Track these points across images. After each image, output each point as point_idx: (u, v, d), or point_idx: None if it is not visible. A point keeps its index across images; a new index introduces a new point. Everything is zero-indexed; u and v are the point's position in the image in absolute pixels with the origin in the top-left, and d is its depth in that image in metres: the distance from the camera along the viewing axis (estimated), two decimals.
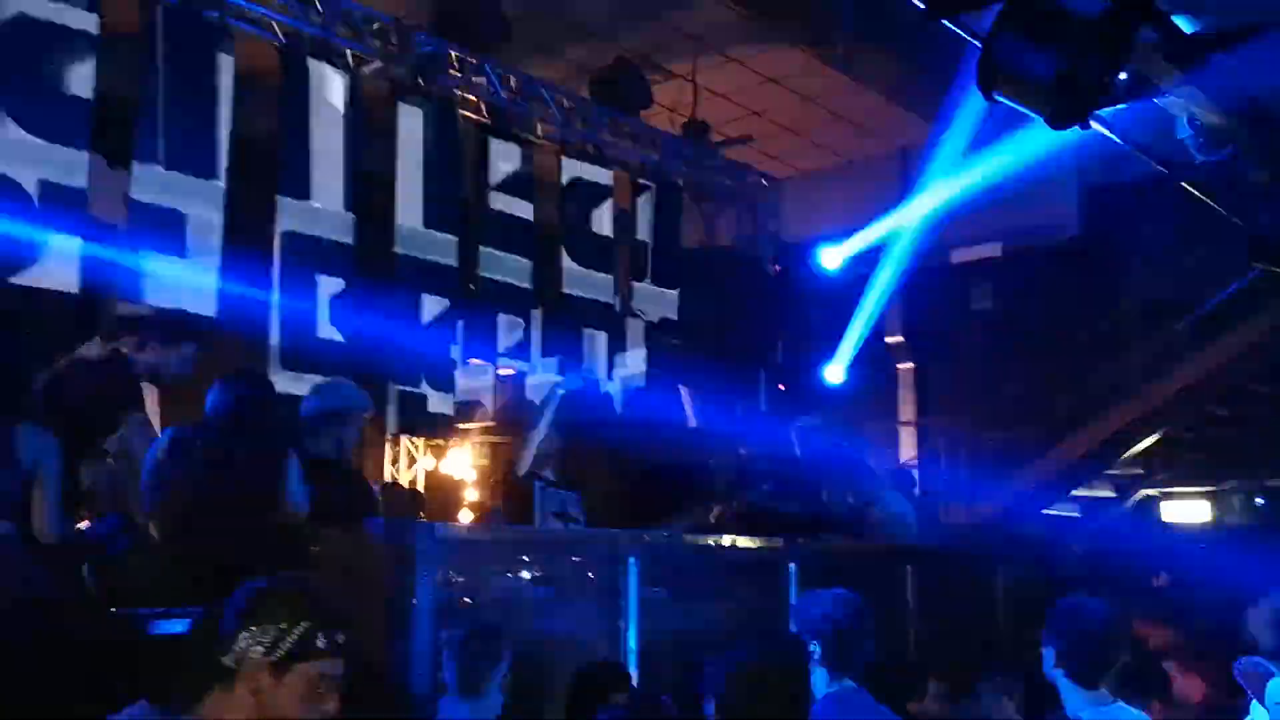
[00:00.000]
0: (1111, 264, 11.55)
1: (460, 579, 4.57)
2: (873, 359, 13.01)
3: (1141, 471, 11.34)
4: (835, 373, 10.58)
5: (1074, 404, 10.88)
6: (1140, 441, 10.64)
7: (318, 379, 6.06)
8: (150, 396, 5.25)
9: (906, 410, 13.12)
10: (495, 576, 4.82)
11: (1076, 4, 3.60)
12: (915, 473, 11.72)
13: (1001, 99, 3.85)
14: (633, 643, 4.72)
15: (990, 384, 11.70)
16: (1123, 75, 3.86)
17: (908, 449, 12.91)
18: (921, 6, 3.55)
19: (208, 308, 6.53)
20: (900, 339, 13.25)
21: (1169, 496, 11.55)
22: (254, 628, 2.28)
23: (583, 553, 4.93)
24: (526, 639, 4.46)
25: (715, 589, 5.38)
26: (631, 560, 4.77)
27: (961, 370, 12.48)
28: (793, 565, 5.44)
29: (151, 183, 6.47)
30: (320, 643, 2.31)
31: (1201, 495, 11.37)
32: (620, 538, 5.03)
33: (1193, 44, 4.15)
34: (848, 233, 12.14)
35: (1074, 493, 11.31)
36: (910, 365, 13.19)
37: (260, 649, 2.27)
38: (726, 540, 5.35)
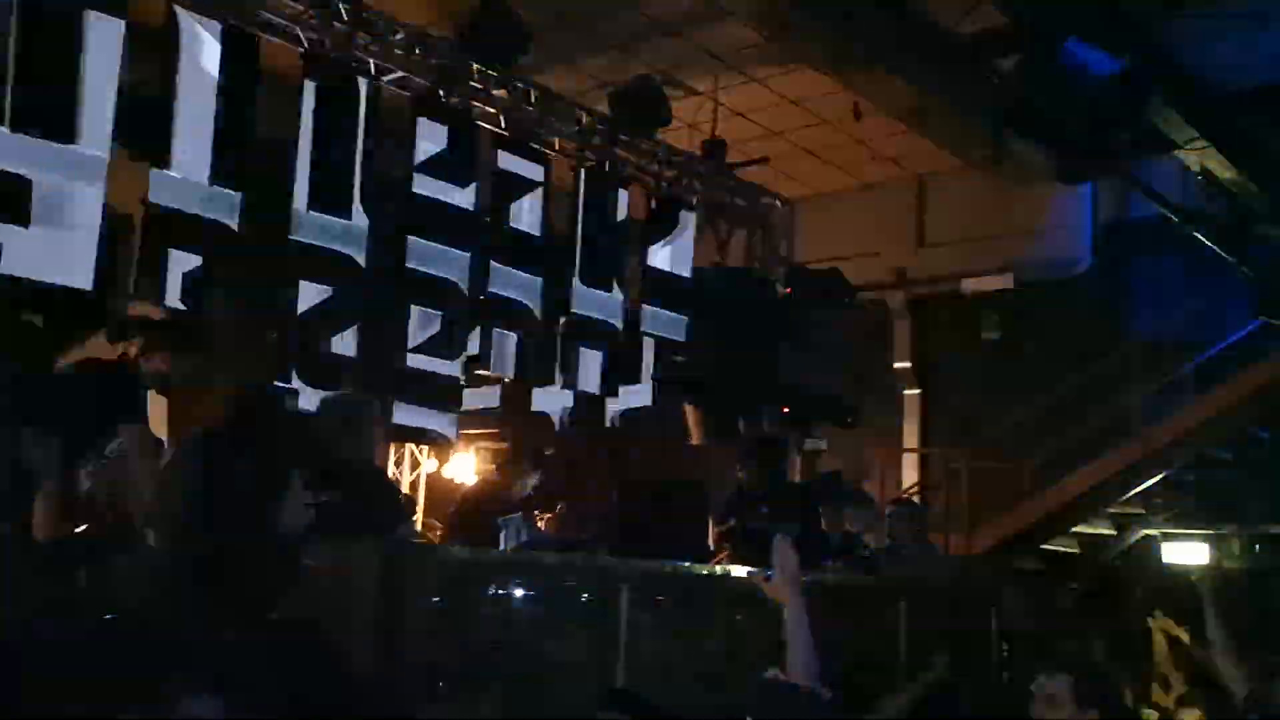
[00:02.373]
0: (1119, 301, 11.56)
1: (452, 598, 4.59)
2: (879, 384, 13.03)
3: (1142, 511, 11.32)
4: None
5: (1077, 440, 10.87)
6: (1141, 481, 10.63)
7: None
8: (159, 403, 5.28)
9: (910, 437, 13.11)
10: (487, 597, 4.84)
11: (1094, 63, 3.62)
12: (917, 499, 11.72)
13: (1012, 148, 3.87)
14: (622, 669, 4.74)
15: (995, 415, 11.69)
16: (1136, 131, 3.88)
17: (910, 476, 12.90)
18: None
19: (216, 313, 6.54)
20: (908, 365, 13.25)
21: (1169, 538, 11.53)
22: None
23: (576, 578, 4.95)
24: (517, 661, 4.48)
25: (708, 618, 5.40)
26: (624, 587, 4.78)
27: (967, 400, 12.48)
28: None
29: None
30: None
31: (1201, 538, 11.34)
32: (613, 565, 5.05)
33: (1213, 104, 4.17)
34: (864, 255, 12.19)
35: (1074, 529, 11.29)
36: (917, 392, 13.19)
37: None
38: (719, 570, 5.37)
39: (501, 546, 5.62)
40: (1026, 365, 12.04)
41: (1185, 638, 5.81)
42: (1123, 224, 11.72)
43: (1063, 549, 11.60)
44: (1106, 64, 3.57)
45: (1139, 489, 10.75)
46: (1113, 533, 11.58)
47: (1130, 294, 11.53)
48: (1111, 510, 11.21)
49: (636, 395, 9.64)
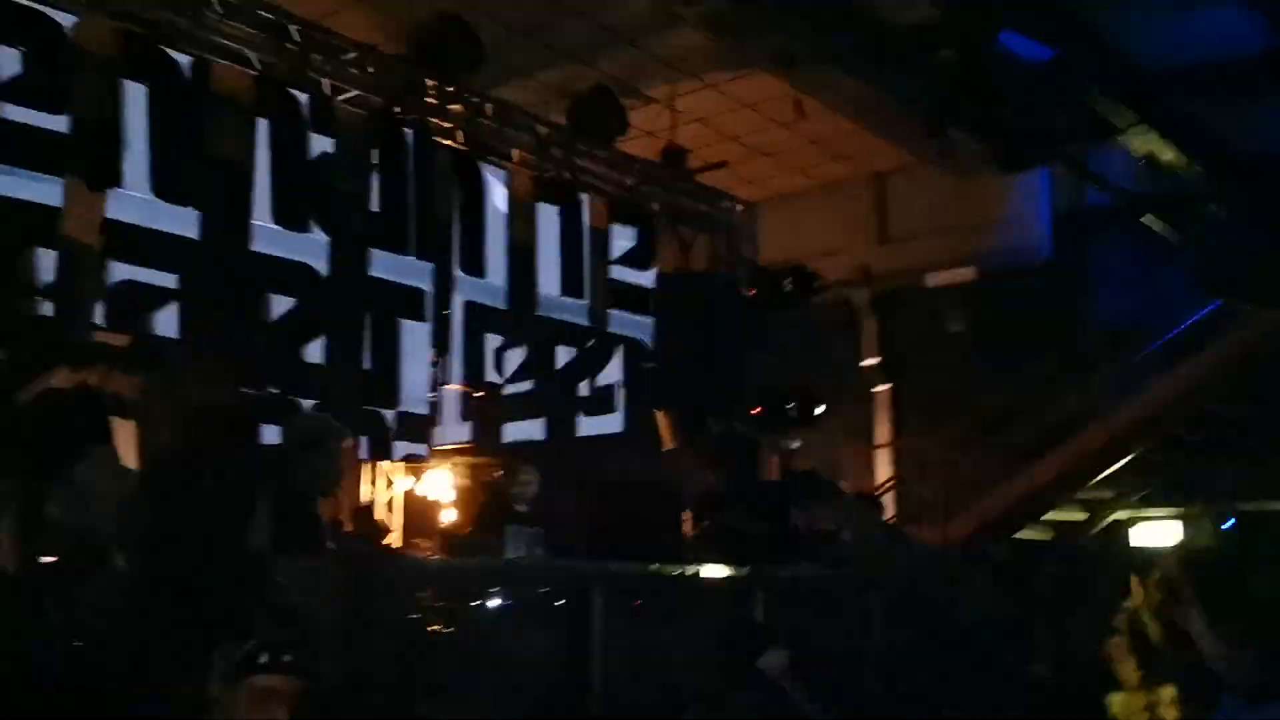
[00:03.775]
0: (1080, 288, 11.70)
1: (428, 606, 4.62)
2: (849, 381, 13.12)
3: (1111, 494, 11.45)
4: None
5: (1043, 427, 10.99)
6: (1109, 465, 10.76)
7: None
8: (125, 427, 5.28)
9: (882, 432, 13.21)
10: (463, 604, 4.87)
11: (1026, 51, 3.70)
12: (888, 496, 11.82)
13: (952, 139, 3.95)
14: (597, 671, 4.78)
15: (963, 407, 11.80)
16: (1073, 117, 3.96)
17: (883, 471, 13.00)
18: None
19: (176, 332, 6.55)
20: (876, 360, 13.35)
21: (1140, 520, 11.66)
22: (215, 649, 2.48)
23: (549, 583, 4.99)
24: (493, 666, 4.52)
25: (681, 617, 5.44)
26: (597, 590, 4.83)
27: (935, 393, 12.59)
28: (760, 593, 5.51)
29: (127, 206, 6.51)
30: (263, 659, 2.49)
31: (1171, 518, 11.48)
32: (586, 569, 5.09)
33: (1150, 86, 4.26)
34: (826, 254, 12.27)
35: (1045, 516, 11.41)
36: (886, 387, 13.29)
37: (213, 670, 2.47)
38: (691, 570, 5.42)
39: (509, 556, 5.64)
40: (993, 355, 12.16)
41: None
42: (1079, 211, 11.87)
43: (1036, 536, 11.72)
44: (1039, 52, 3.65)
45: (1107, 473, 10.88)
46: (1084, 517, 11.71)
47: (1090, 280, 11.68)
48: (1081, 495, 11.33)
49: (607, 422, 9.76)
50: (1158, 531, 11.52)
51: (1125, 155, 7.00)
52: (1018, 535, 11.47)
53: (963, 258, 12.58)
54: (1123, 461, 10.75)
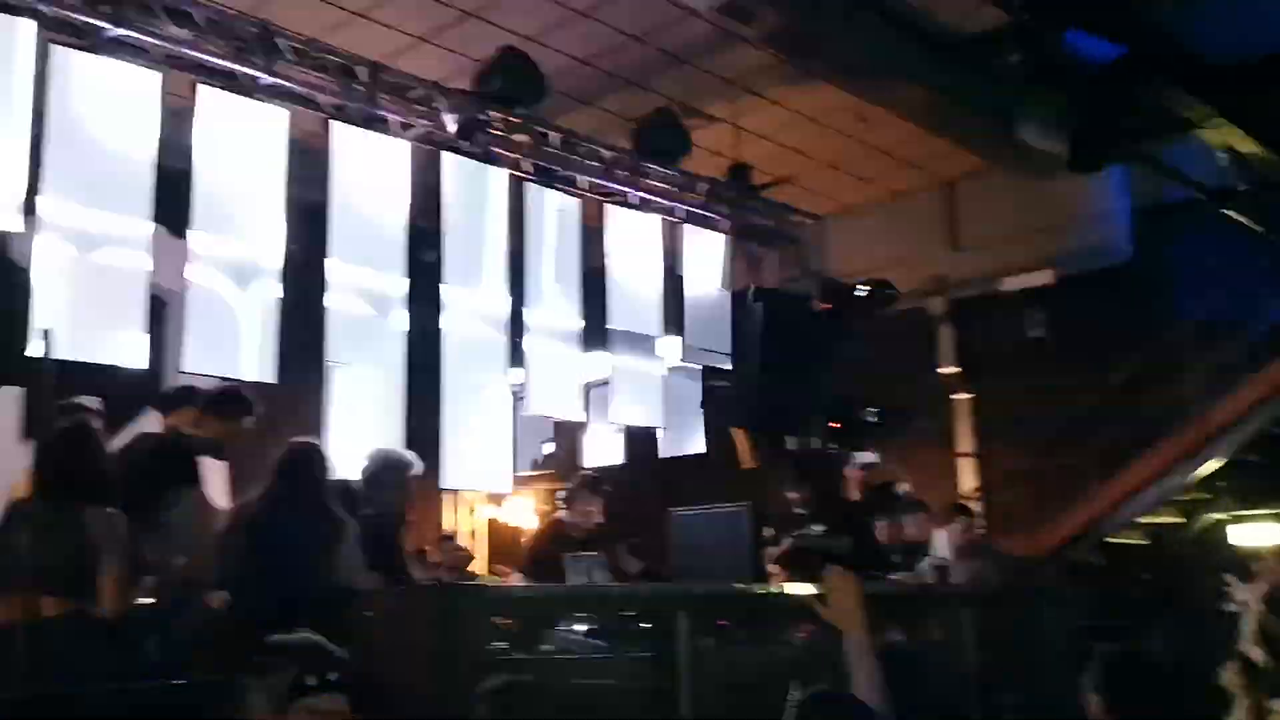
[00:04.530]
0: (1165, 286, 11.40)
1: (510, 634, 4.65)
2: (928, 391, 12.94)
3: (1207, 496, 11.11)
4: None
5: (1133, 430, 10.72)
6: (1204, 465, 10.46)
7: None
8: (217, 469, 5.42)
9: (964, 441, 12.98)
10: (546, 631, 4.89)
11: (1092, 51, 3.65)
12: (975, 503, 11.61)
13: (1024, 143, 3.90)
14: (685, 694, 4.76)
15: (1047, 412, 11.55)
16: (1146, 114, 3.89)
17: (967, 480, 12.77)
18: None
19: (268, 374, 6.73)
20: (955, 369, 13.14)
21: (1237, 520, 11.30)
22: (256, 680, 2.52)
23: (632, 607, 4.99)
24: (579, 693, 4.52)
25: (769, 637, 5.41)
26: (681, 613, 4.81)
27: (1018, 399, 12.35)
28: None
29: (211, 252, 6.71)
30: (310, 680, 2.53)
31: (1271, 517, 11.10)
32: (669, 591, 5.09)
33: (1221, 79, 4.17)
34: (898, 265, 12.13)
35: (1138, 519, 11.11)
36: (966, 396, 13.07)
37: (263, 696, 2.51)
38: (775, 589, 5.39)
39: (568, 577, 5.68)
40: (1075, 359, 11.90)
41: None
42: (1161, 208, 11.58)
43: (1128, 541, 11.42)
44: (1108, 50, 3.60)
45: (1201, 474, 10.57)
46: (1179, 520, 11.37)
47: (1175, 278, 11.36)
48: (1177, 498, 11.02)
49: (689, 442, 9.78)
50: (1257, 532, 11.15)
51: (1205, 149, 6.85)
52: (1110, 540, 11.19)
53: (1040, 261, 12.33)
54: (1218, 462, 10.44)
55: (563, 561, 5.59)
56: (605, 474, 9.05)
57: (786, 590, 5.62)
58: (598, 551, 5.89)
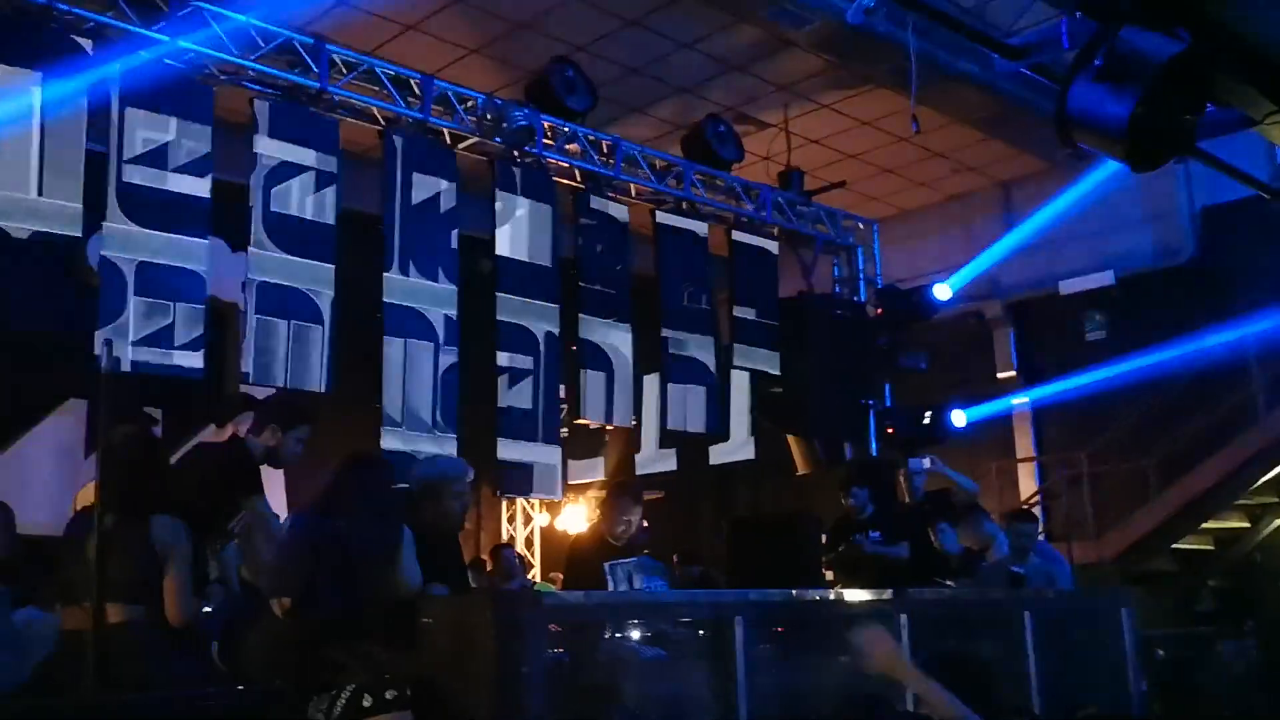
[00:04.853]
0: (1229, 286, 11.18)
1: (569, 643, 4.65)
2: (987, 396, 12.80)
3: (1275, 500, 10.87)
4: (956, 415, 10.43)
5: (1197, 433, 10.51)
6: (1270, 469, 10.23)
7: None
8: (276, 474, 5.49)
9: (1024, 447, 12.82)
10: (605, 640, 4.89)
11: (1151, 47, 3.58)
12: (1037, 509, 11.45)
13: (1081, 145, 3.83)
14: (744, 700, 4.73)
15: (1109, 416, 11.37)
16: (1208, 111, 3.81)
17: (1028, 486, 12.61)
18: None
19: (319, 384, 6.81)
20: (1014, 374, 12.99)
21: None
22: (314, 698, 2.53)
23: (690, 614, 4.97)
24: (638, 701, 4.52)
25: (826, 643, 5.36)
26: (738, 619, 4.78)
27: (1079, 404, 12.17)
28: (904, 615, 5.38)
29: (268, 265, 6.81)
30: (366, 701, 2.54)
31: None
32: (726, 597, 5.07)
33: None
34: (953, 269, 12.02)
35: (1204, 524, 10.89)
36: (1025, 400, 12.90)
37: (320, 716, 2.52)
38: (834, 594, 5.34)
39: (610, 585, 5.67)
40: (1136, 362, 11.71)
41: None
42: (1222, 207, 11.37)
43: (1195, 547, 11.20)
44: (1165, 46, 3.52)
45: (1268, 477, 10.34)
46: (1246, 525, 11.13)
47: (1238, 277, 11.14)
48: (1242, 502, 10.79)
49: (739, 449, 9.74)
50: None
51: (1266, 146, 6.71)
52: (1176, 547, 10.98)
53: (1098, 263, 12.16)
54: None
55: (604, 569, 5.59)
56: (658, 481, 9.07)
57: (844, 596, 5.57)
58: (635, 558, 5.88)
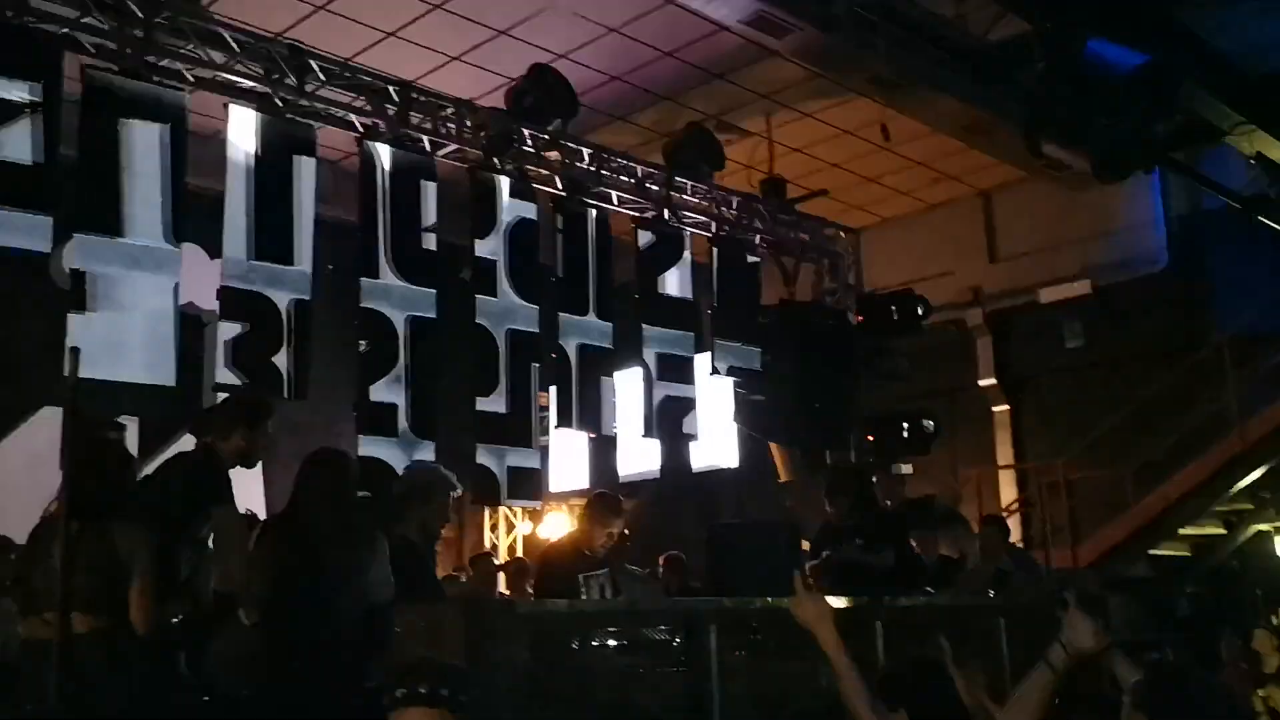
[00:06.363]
0: (1203, 295, 11.26)
1: (541, 652, 4.63)
2: (967, 403, 12.85)
3: (1251, 506, 10.94)
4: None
5: (1174, 440, 10.58)
6: (1246, 476, 10.30)
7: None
8: (253, 474, 5.44)
9: (1003, 454, 12.87)
10: (577, 649, 4.87)
11: (1119, 59, 3.61)
12: (1014, 519, 11.50)
13: (1049, 154, 3.86)
14: (717, 709, 4.72)
15: (1087, 423, 11.43)
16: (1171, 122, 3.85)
17: (1008, 493, 12.66)
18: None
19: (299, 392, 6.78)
20: (993, 382, 13.04)
21: None
22: None
23: (663, 622, 4.95)
24: (610, 710, 4.50)
25: (800, 651, 5.35)
26: (712, 627, 4.77)
27: (1057, 411, 12.24)
28: (879, 624, 5.38)
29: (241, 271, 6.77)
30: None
31: None
32: (699, 605, 5.06)
33: (1250, 87, 4.11)
34: (935, 277, 12.07)
35: (1181, 531, 10.95)
36: (1005, 408, 12.96)
37: None
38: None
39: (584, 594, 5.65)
40: (1114, 369, 11.78)
41: None
42: (1197, 216, 11.46)
43: (1173, 553, 11.25)
44: (1132, 58, 3.56)
45: (1244, 484, 10.41)
46: (1223, 531, 11.20)
47: (1213, 286, 11.23)
48: (1219, 509, 10.85)
49: (722, 456, 9.73)
50: None
51: (1238, 156, 6.77)
52: (1153, 553, 11.04)
53: (1077, 271, 12.23)
54: (1260, 472, 10.27)
55: (579, 580, 5.57)
56: (639, 488, 9.03)
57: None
58: (607, 568, 5.85)
